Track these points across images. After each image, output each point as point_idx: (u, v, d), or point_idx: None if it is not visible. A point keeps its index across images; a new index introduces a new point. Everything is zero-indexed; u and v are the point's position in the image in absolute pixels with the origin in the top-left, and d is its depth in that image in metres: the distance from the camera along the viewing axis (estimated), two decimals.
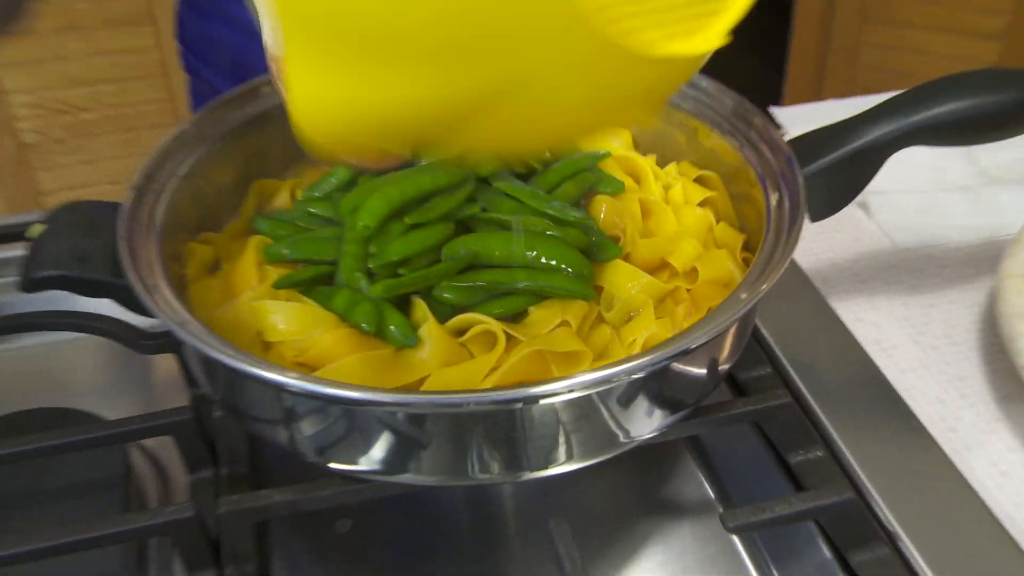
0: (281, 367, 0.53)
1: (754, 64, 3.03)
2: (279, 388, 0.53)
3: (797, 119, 1.09)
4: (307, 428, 0.56)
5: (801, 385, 0.72)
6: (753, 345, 0.74)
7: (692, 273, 0.67)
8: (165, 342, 0.69)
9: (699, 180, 0.75)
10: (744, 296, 0.56)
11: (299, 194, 0.72)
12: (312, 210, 0.67)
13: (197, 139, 0.71)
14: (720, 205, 0.73)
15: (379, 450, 0.55)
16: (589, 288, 0.62)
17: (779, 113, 1.11)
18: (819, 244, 0.89)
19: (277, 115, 0.76)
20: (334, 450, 0.57)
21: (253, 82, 0.75)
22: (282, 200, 0.74)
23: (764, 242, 0.61)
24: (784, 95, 2.84)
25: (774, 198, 0.65)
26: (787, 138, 0.69)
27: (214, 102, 0.73)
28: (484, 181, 0.68)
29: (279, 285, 0.63)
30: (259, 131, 0.75)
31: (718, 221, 0.72)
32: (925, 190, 0.96)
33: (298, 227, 0.67)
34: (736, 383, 0.74)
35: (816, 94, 2.77)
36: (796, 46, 2.75)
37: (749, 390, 0.72)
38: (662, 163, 0.78)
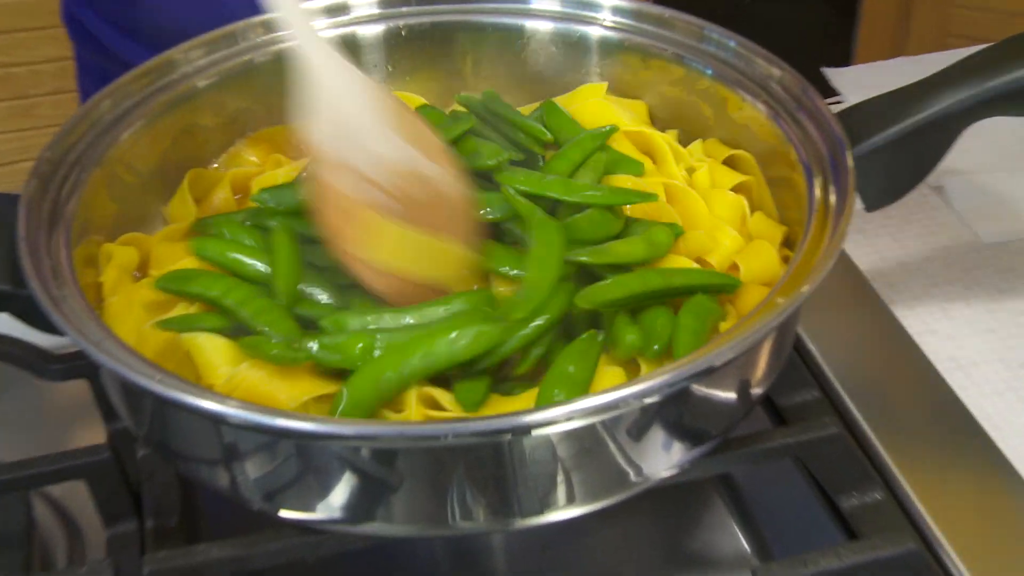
0: (220, 395, 0.55)
1: (820, 10, 3.04)
2: (218, 420, 0.56)
3: (860, 82, 1.12)
4: (252, 469, 0.59)
5: (856, 412, 0.75)
6: (796, 362, 0.78)
7: (732, 271, 0.71)
8: (76, 366, 0.72)
9: (729, 161, 0.79)
10: (781, 301, 0.59)
11: (253, 190, 0.78)
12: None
13: (114, 116, 0.75)
14: (755, 191, 0.77)
15: (340, 494, 0.58)
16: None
17: (837, 75, 1.14)
18: (882, 238, 0.93)
19: (209, 87, 0.81)
20: (285, 495, 0.59)
21: (181, 47, 0.80)
22: (222, 196, 0.78)
23: (805, 236, 0.64)
24: (855, 49, 2.83)
25: (818, 183, 0.68)
26: (844, 106, 0.73)
27: (133, 72, 0.77)
28: (486, 177, 0.74)
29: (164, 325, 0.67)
30: (188, 107, 0.80)
31: (752, 211, 0.76)
32: (1016, 170, 0.99)
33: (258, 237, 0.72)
34: (775, 409, 0.77)
35: (898, 48, 2.75)
36: None
37: (791, 418, 0.75)
38: (685, 140, 0.83)
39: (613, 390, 0.54)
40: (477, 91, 0.87)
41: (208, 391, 0.55)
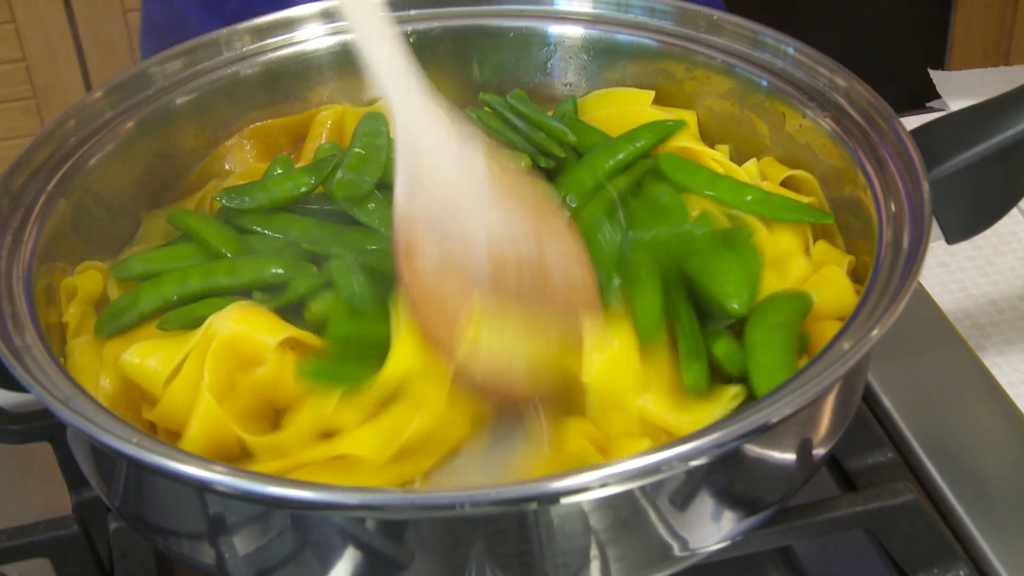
0: (203, 459, 0.57)
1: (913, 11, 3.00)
2: (203, 487, 0.58)
3: (970, 88, 1.12)
4: (242, 544, 0.61)
5: (937, 476, 0.77)
6: (866, 418, 0.79)
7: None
8: (38, 426, 0.74)
9: (788, 183, 0.81)
10: (848, 347, 0.60)
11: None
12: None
13: (79, 139, 0.79)
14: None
15: (343, 572, 0.60)
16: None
17: (943, 80, 1.12)
18: (969, 273, 0.94)
19: (190, 104, 0.84)
20: (280, 574, 0.61)
21: (156, 58, 0.84)
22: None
23: (876, 270, 0.66)
24: (950, 54, 2.81)
25: (889, 209, 0.70)
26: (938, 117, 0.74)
27: (101, 88, 0.80)
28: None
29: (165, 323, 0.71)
30: (165, 127, 0.83)
31: (816, 239, 0.78)
32: None
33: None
34: (843, 473, 0.78)
35: (1001, 55, 2.73)
36: None
37: (861, 483, 0.77)
38: (738, 159, 0.84)
39: (654, 452, 0.55)
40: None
41: (189, 455, 0.58)
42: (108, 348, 0.71)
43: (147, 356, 0.68)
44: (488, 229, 0.67)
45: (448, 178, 0.67)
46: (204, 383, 0.65)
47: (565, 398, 0.67)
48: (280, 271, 0.72)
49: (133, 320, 0.72)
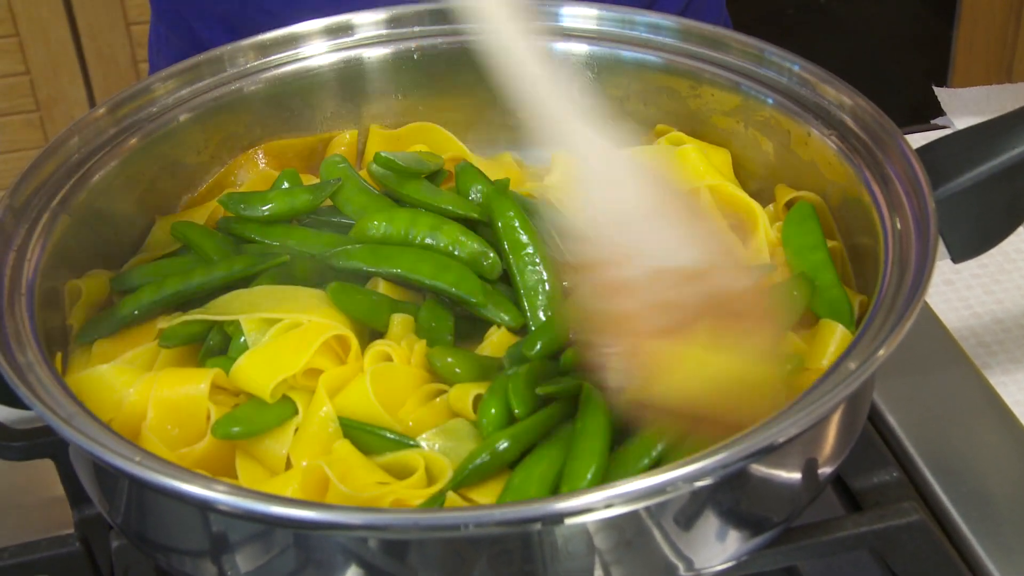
0: (205, 478, 0.58)
1: (909, 6, 2.99)
2: (205, 506, 0.58)
3: (975, 106, 1.12)
4: (244, 562, 0.61)
5: (943, 496, 0.77)
6: (871, 437, 0.79)
7: None
8: (40, 443, 0.74)
9: (792, 205, 0.81)
10: (854, 366, 0.60)
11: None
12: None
13: (83, 155, 0.79)
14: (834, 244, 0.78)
15: None
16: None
17: (949, 97, 1.12)
18: (974, 291, 0.94)
19: (193, 120, 0.85)
20: None
21: (159, 74, 0.84)
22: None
23: (882, 289, 0.66)
24: (952, 69, 2.80)
25: (895, 227, 0.70)
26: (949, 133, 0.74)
27: (104, 105, 0.81)
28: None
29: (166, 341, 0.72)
30: (169, 143, 0.84)
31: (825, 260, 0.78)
32: None
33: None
34: (848, 492, 0.78)
35: (1004, 70, 2.72)
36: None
37: (866, 503, 0.77)
38: (741, 176, 0.86)
39: (659, 472, 0.55)
40: (502, 122, 0.89)
41: (195, 475, 0.58)
42: (96, 351, 0.73)
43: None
44: (672, 251, 0.66)
45: (628, 202, 0.68)
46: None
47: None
48: (245, 267, 0.75)
49: (114, 326, 0.74)
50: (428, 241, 0.77)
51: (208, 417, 0.67)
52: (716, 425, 0.60)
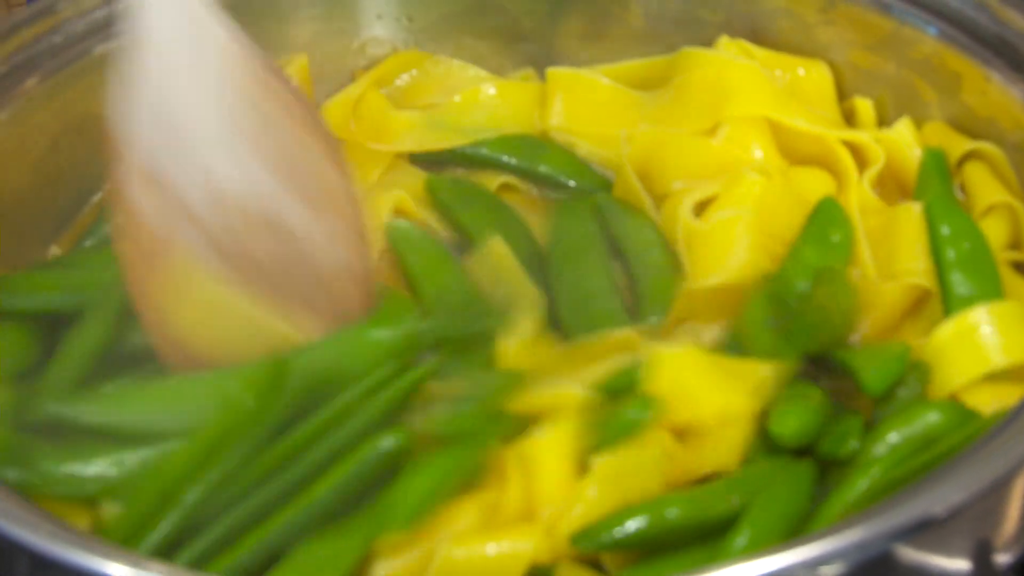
0: (134, 555, 0.53)
1: None
2: None
3: None
4: None
5: None
6: None
7: None
8: None
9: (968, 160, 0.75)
10: None
11: None
12: None
13: None
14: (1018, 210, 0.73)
15: None
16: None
17: None
18: None
19: (115, 55, 0.78)
20: None
21: None
22: None
23: None
24: None
25: None
26: None
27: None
28: None
29: None
30: (79, 87, 0.74)
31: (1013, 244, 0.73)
32: None
33: None
34: None
35: None
36: None
37: None
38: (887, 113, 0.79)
39: (770, 554, 0.49)
40: (542, 50, 0.83)
41: (125, 550, 0.52)
42: None
43: None
44: (230, 173, 0.59)
45: (192, 93, 0.59)
46: None
47: None
48: None
49: None
50: None
51: None
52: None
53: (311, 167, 0.63)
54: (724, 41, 0.81)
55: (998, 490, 0.55)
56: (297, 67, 0.82)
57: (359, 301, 0.66)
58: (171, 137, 0.60)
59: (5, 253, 0.71)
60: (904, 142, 0.74)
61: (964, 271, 0.69)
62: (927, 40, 0.74)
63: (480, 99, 0.83)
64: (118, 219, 0.63)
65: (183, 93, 0.60)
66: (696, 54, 0.80)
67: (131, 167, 0.61)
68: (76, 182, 0.75)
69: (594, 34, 0.82)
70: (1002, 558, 0.58)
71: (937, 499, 0.51)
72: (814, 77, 0.79)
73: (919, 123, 0.76)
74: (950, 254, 0.69)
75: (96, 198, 0.75)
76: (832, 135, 0.75)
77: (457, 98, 0.84)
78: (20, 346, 0.68)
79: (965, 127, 0.74)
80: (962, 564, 0.56)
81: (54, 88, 0.73)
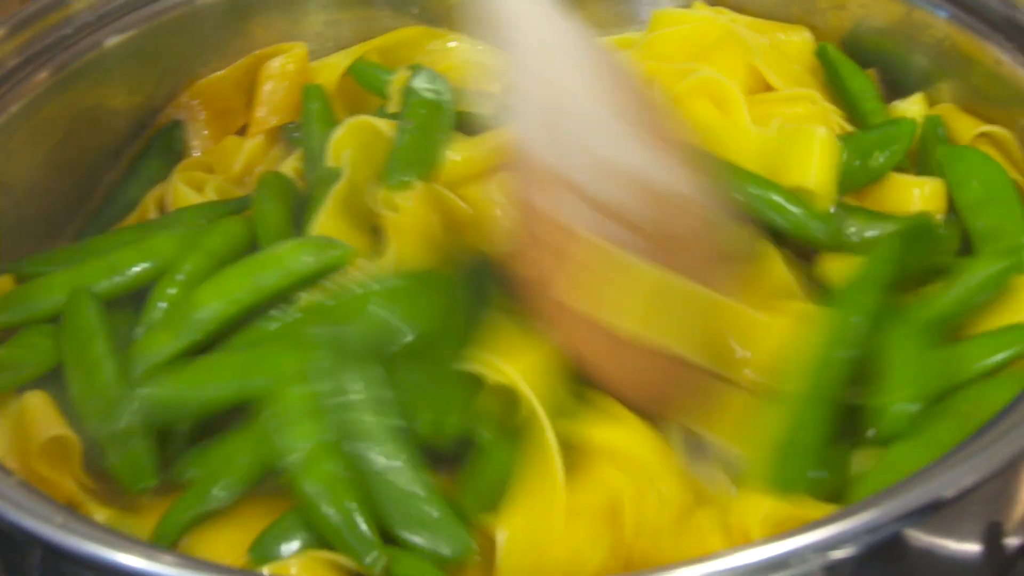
0: (146, 546, 0.54)
1: None
2: None
3: None
4: None
5: None
6: None
7: None
8: None
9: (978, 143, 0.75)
10: None
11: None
12: None
13: None
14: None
15: None
16: None
17: None
18: None
19: (123, 47, 0.76)
20: None
21: None
22: None
23: None
24: None
25: None
26: None
27: (5, 24, 0.73)
28: None
29: None
30: (90, 79, 0.75)
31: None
32: None
33: None
34: None
35: None
36: None
37: None
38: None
39: (781, 538, 0.49)
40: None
41: (137, 541, 0.53)
42: None
43: None
44: (622, 154, 0.60)
45: (571, 92, 0.60)
46: None
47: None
48: None
49: None
50: None
51: None
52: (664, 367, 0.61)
53: (665, 135, 0.64)
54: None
55: (1008, 473, 0.56)
56: (296, 55, 0.81)
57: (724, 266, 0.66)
58: (559, 130, 0.60)
59: (17, 244, 0.71)
60: (911, 114, 0.74)
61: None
62: (938, 23, 0.75)
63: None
64: (513, 228, 0.63)
65: (563, 85, 0.61)
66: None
67: (528, 170, 0.61)
68: (87, 174, 0.76)
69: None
70: (1012, 541, 0.58)
71: (947, 482, 0.51)
72: (795, 41, 0.79)
73: (930, 106, 0.76)
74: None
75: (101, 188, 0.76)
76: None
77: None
78: (42, 350, 0.68)
79: (976, 110, 0.74)
80: (972, 547, 0.56)
81: (65, 81, 0.74)
